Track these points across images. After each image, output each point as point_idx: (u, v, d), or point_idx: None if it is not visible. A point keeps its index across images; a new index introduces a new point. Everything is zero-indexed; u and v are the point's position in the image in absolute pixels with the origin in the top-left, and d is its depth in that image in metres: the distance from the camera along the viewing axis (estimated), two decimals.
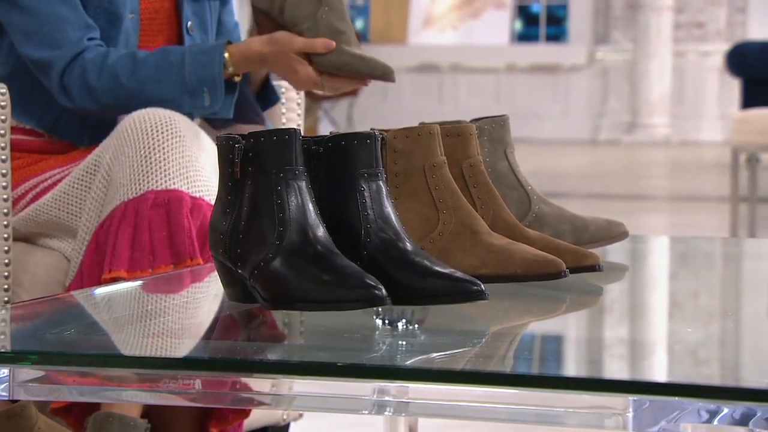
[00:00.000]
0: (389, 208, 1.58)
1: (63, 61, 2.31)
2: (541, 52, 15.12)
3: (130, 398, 1.47)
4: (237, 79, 2.33)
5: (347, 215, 1.57)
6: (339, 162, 1.59)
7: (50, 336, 1.52)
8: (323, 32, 2.30)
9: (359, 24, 15.64)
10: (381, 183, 1.59)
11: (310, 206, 1.54)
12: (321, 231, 1.53)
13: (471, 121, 1.89)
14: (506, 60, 15.06)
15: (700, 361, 1.43)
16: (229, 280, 1.60)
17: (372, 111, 13.71)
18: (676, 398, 1.22)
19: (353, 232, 1.56)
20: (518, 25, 15.48)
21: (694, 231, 6.86)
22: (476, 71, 15.03)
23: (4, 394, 1.35)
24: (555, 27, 15.44)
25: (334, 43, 2.27)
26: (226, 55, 2.32)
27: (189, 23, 2.43)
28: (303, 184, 1.55)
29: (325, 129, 11.61)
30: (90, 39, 2.32)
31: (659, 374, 1.37)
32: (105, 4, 2.35)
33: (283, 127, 2.43)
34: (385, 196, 1.58)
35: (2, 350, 1.41)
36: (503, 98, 14.86)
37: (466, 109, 13.34)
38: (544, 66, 14.92)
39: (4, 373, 1.35)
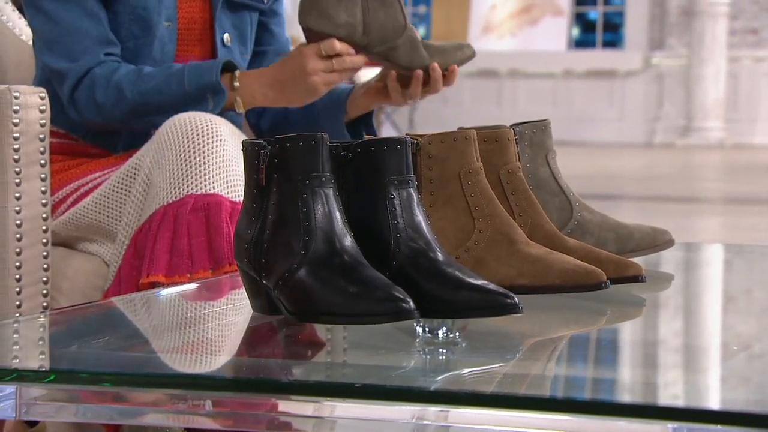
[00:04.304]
0: (420, 217, 1.45)
1: (76, 75, 2.23)
2: (597, 57, 14.97)
3: (153, 421, 1.32)
4: (240, 110, 2.25)
5: (376, 224, 1.45)
6: (368, 168, 1.46)
7: (69, 351, 1.40)
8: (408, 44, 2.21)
9: (421, 31, 15.53)
10: (412, 190, 1.46)
11: (338, 214, 1.42)
12: (348, 240, 1.41)
13: (511, 125, 1.76)
14: (563, 65, 14.92)
15: (749, 384, 1.28)
16: (254, 290, 1.48)
17: (433, 115, 13.62)
18: (719, 426, 1.08)
19: (382, 242, 1.44)
20: (575, 31, 15.32)
21: (748, 233, 6.67)
22: (534, 76, 14.90)
23: (10, 414, 1.23)
24: (611, 33, 15.27)
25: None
26: (237, 73, 2.23)
27: (225, 35, 2.33)
28: (330, 191, 1.43)
29: (387, 133, 11.51)
30: (108, 54, 2.25)
31: (701, 399, 1.23)
32: (139, 11, 2.26)
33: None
34: (416, 204, 1.45)
35: (9, 367, 1.29)
36: (560, 103, 14.74)
37: (525, 114, 13.22)
38: (601, 71, 14.77)
39: (7, 390, 1.22)
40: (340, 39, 2.18)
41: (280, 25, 2.45)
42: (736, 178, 10.53)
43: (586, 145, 13.82)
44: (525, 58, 14.91)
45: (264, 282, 1.44)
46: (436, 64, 2.22)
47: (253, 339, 1.52)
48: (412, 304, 1.34)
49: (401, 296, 1.34)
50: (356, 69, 2.22)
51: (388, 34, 2.19)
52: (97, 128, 2.28)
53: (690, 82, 14.09)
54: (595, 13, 15.39)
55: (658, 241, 1.81)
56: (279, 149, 1.44)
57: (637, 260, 1.72)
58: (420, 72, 2.23)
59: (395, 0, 2.20)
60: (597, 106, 14.73)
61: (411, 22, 2.25)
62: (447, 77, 2.25)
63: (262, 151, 1.45)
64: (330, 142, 1.46)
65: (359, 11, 2.17)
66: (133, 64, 2.27)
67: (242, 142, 1.49)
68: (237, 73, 2.23)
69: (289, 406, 1.25)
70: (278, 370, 1.35)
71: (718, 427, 1.08)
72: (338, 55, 2.19)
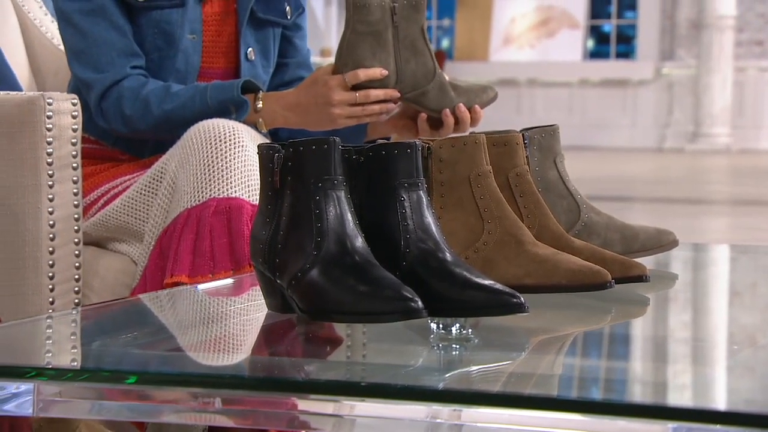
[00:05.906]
0: (429, 219, 1.40)
1: (103, 86, 2.20)
2: (611, 67, 14.91)
3: (172, 419, 1.25)
4: (264, 128, 2.21)
5: (387, 225, 1.40)
6: (379, 172, 1.41)
7: (90, 349, 1.36)
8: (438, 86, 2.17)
9: (445, 43, 15.47)
10: (422, 193, 1.41)
11: (349, 216, 1.37)
12: (359, 241, 1.36)
13: (521, 130, 1.71)
14: (579, 75, 14.85)
15: (751, 384, 1.22)
16: (268, 289, 1.43)
17: None
18: (719, 426, 1.02)
19: (393, 243, 1.39)
20: (590, 43, 15.25)
21: (754, 233, 6.59)
22: (551, 85, 14.84)
23: (27, 411, 1.17)
24: (624, 45, 15.20)
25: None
26: (260, 94, 2.20)
27: (249, 49, 2.29)
28: (342, 193, 1.38)
29: None
30: (134, 67, 2.21)
31: (704, 399, 1.17)
32: (162, 25, 2.22)
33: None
34: (425, 207, 1.40)
35: (35, 365, 1.23)
36: (576, 110, 14.68)
37: (542, 120, 13.15)
38: (614, 81, 14.69)
39: (24, 387, 1.17)
40: (374, 89, 2.14)
41: (303, 38, 2.41)
42: (742, 182, 10.43)
43: (600, 149, 13.75)
44: (543, 68, 14.84)
45: (278, 281, 1.40)
46: (462, 105, 2.19)
47: (269, 337, 1.47)
48: (420, 303, 1.29)
49: (410, 296, 1.30)
50: (383, 111, 2.17)
51: (419, 80, 2.16)
52: (123, 137, 2.24)
53: (698, 91, 14.00)
54: (609, 25, 15.32)
55: (662, 242, 1.76)
56: (293, 153, 1.40)
57: (645, 260, 1.66)
58: (451, 118, 2.19)
59: (425, 47, 2.16)
60: (610, 113, 14.65)
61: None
62: (472, 117, 2.21)
63: (277, 154, 1.40)
64: (342, 146, 1.41)
65: (392, 61, 2.14)
66: (157, 76, 2.23)
67: (258, 146, 1.45)
68: (260, 94, 2.20)
69: (308, 404, 1.19)
70: (292, 368, 1.30)
71: (718, 426, 1.03)
72: (363, 87, 2.14)
